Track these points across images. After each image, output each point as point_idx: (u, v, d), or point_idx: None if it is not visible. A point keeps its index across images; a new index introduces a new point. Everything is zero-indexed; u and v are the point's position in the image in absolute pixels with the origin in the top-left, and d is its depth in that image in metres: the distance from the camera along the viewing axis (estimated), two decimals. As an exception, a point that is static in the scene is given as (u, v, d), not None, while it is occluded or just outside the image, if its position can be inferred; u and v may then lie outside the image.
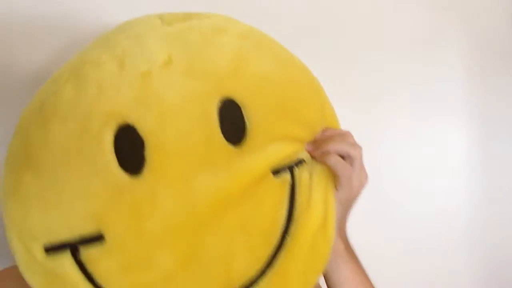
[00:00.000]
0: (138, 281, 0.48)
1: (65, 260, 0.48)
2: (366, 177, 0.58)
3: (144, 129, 0.48)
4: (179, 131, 0.48)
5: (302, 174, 0.54)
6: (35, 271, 0.50)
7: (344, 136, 0.56)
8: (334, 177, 0.56)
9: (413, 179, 1.13)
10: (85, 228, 0.47)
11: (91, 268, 0.48)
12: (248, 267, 0.51)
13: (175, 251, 0.48)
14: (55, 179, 0.47)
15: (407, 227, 1.12)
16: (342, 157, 0.55)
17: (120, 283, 0.48)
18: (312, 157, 0.55)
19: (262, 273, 0.52)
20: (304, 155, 0.55)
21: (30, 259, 0.49)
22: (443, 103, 1.14)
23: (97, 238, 0.47)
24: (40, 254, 0.48)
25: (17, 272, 0.52)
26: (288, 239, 0.52)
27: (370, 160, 0.99)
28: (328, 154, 0.54)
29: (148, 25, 0.55)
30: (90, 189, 0.47)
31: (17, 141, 0.52)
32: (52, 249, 0.48)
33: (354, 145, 0.56)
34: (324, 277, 0.61)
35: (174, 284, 0.49)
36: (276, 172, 0.52)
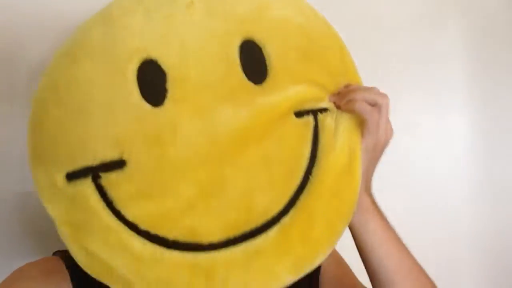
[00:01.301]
0: (157, 207, 0.47)
1: (86, 186, 0.48)
2: (391, 130, 0.57)
3: (167, 63, 0.49)
4: (201, 66, 0.50)
5: (326, 119, 0.54)
6: (57, 200, 0.50)
7: (370, 88, 0.56)
8: (361, 123, 0.55)
9: (414, 168, 1.10)
10: (107, 154, 0.47)
11: (111, 193, 0.47)
12: (270, 204, 0.50)
13: (195, 181, 0.48)
14: (80, 109, 0.49)
15: (408, 216, 1.05)
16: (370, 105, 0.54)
17: (139, 208, 0.47)
18: (337, 106, 0.55)
19: (285, 211, 0.50)
20: (328, 105, 0.55)
21: (53, 188, 0.49)
22: (444, 90, 1.13)
23: (118, 164, 0.47)
24: (62, 180, 0.49)
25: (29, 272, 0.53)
26: (311, 179, 0.51)
27: None
28: (355, 101, 0.54)
29: None
30: (113, 116, 0.48)
31: (45, 80, 0.54)
32: (74, 176, 0.48)
33: (381, 93, 0.55)
34: (352, 233, 0.58)
35: (193, 214, 0.48)
36: (298, 113, 0.52)
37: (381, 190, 0.96)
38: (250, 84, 0.51)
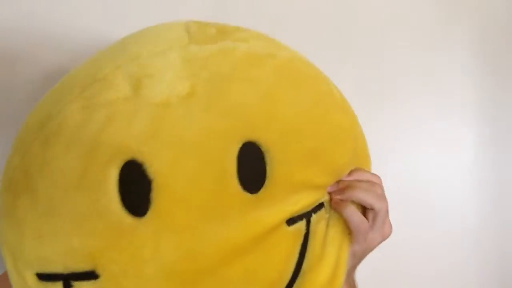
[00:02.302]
0: None
1: None
2: (389, 229, 0.53)
3: (153, 168, 0.43)
4: (192, 174, 0.44)
5: (319, 223, 0.50)
6: None
7: (371, 184, 0.52)
8: (349, 229, 0.52)
9: (422, 177, 1.11)
10: (79, 265, 0.44)
11: None
12: None
13: None
14: (53, 209, 0.44)
15: (414, 226, 1.09)
16: (364, 207, 0.51)
17: None
18: (331, 202, 0.51)
19: None
20: (325, 198, 0.51)
21: (22, 282, 0.48)
22: (451, 98, 1.12)
23: (91, 276, 0.45)
24: (31, 279, 0.47)
25: None
26: None
27: (376, 158, 0.98)
28: (345, 204, 0.50)
29: (173, 42, 0.49)
30: (89, 226, 0.44)
31: (16, 158, 0.48)
32: (44, 278, 0.46)
33: (380, 196, 0.51)
34: None
35: None
36: (291, 221, 0.48)
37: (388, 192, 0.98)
38: (244, 195, 0.46)
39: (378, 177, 0.54)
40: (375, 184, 0.52)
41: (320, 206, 0.51)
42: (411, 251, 1.10)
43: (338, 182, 0.52)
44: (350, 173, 0.52)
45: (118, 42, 0.52)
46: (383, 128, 1.05)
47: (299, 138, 0.48)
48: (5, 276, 0.55)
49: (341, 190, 0.51)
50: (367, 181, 0.52)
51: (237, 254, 0.46)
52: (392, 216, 0.99)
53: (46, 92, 0.53)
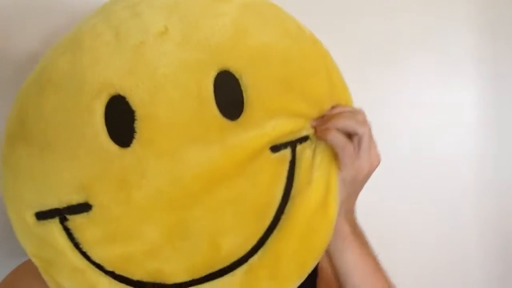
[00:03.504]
0: (122, 251, 0.48)
1: (54, 226, 0.48)
2: (376, 158, 0.54)
3: (135, 100, 0.46)
4: (171, 103, 0.47)
5: (304, 151, 0.51)
6: (27, 236, 0.51)
7: (354, 113, 0.53)
8: (336, 155, 0.53)
9: (425, 142, 1.11)
10: (72, 198, 0.47)
11: (77, 236, 0.48)
12: (238, 245, 0.49)
13: (161, 224, 0.47)
14: (45, 148, 0.48)
15: (415, 190, 1.10)
16: (350, 135, 0.52)
17: (104, 252, 0.48)
18: (315, 133, 0.52)
19: (253, 252, 0.50)
20: (309, 131, 0.52)
21: (23, 225, 0.50)
22: (449, 59, 1.11)
23: (84, 207, 0.47)
24: (31, 220, 0.49)
25: (34, 268, 0.53)
26: (283, 219, 0.50)
27: (379, 124, 0.95)
28: (329, 130, 0.51)
29: None
30: (79, 159, 0.47)
31: (15, 111, 0.53)
32: (42, 216, 0.49)
33: (363, 122, 0.52)
34: (331, 260, 0.58)
35: (159, 258, 0.48)
36: (275, 148, 0.50)
37: (390, 166, 0.94)
38: (223, 121, 0.48)
39: (360, 109, 0.55)
40: (357, 113, 0.54)
41: (305, 138, 0.52)
42: (412, 216, 1.10)
43: (321, 116, 0.53)
44: (332, 108, 0.54)
45: (99, 8, 0.57)
46: (380, 93, 1.04)
47: (269, 65, 0.50)
48: (21, 270, 0.58)
49: (324, 121, 0.52)
50: (349, 111, 0.54)
51: (223, 179, 0.48)
52: (393, 181, 1.00)
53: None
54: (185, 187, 0.47)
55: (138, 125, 0.46)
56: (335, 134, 0.51)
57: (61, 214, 0.48)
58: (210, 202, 0.48)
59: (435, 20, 1.09)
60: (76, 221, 0.47)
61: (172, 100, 0.47)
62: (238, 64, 0.49)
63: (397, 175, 1.05)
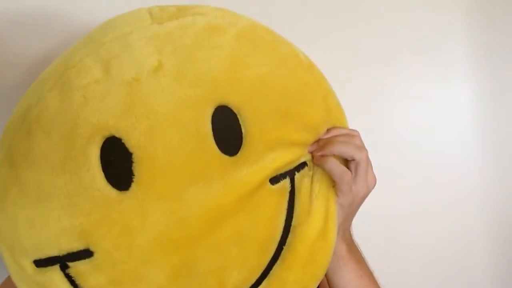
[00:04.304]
0: None
1: (55, 274, 0.47)
2: (373, 180, 0.55)
3: (132, 142, 0.45)
4: (169, 143, 0.46)
5: (303, 180, 0.52)
6: (26, 284, 0.50)
7: (349, 136, 0.53)
8: (334, 182, 0.53)
9: (422, 136, 1.10)
10: (73, 245, 0.46)
11: (80, 282, 0.47)
12: (242, 279, 0.49)
13: (167, 267, 0.47)
14: (41, 195, 0.46)
15: (416, 184, 1.10)
16: (346, 160, 0.53)
17: None
18: (313, 159, 0.52)
19: (258, 283, 0.50)
20: (307, 157, 0.52)
21: (21, 272, 0.49)
22: (446, 57, 1.11)
23: (85, 254, 0.46)
24: (30, 267, 0.48)
25: None
26: (285, 249, 0.51)
27: (377, 120, 0.95)
28: (326, 157, 0.51)
29: (136, 24, 0.51)
30: (77, 206, 0.45)
31: (2, 153, 0.50)
32: (41, 264, 0.47)
33: (359, 147, 0.53)
34: (327, 279, 0.59)
35: None
36: (274, 180, 0.50)
37: (386, 159, 0.97)
38: (223, 157, 0.47)
39: (356, 131, 0.55)
40: (353, 137, 0.54)
41: (303, 165, 0.52)
42: (411, 216, 1.10)
43: (317, 141, 0.53)
44: (328, 131, 0.54)
45: (87, 34, 0.55)
46: (376, 90, 1.04)
47: (267, 97, 0.50)
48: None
49: (321, 147, 0.52)
50: (346, 135, 0.54)
51: (225, 216, 0.47)
52: (391, 181, 0.97)
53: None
54: (188, 228, 0.46)
55: (136, 167, 0.45)
56: (332, 161, 0.52)
57: (62, 261, 0.47)
58: (213, 241, 0.47)
59: (429, 15, 1.08)
60: (78, 268, 0.46)
61: (170, 140, 0.46)
62: (236, 99, 0.48)
63: (394, 171, 1.05)
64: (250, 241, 0.49)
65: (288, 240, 0.50)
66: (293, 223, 0.51)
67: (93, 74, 0.47)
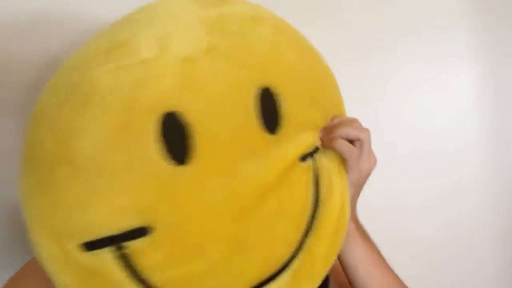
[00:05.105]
0: (184, 272, 0.47)
1: (107, 255, 0.45)
2: (375, 160, 0.60)
3: (191, 117, 0.46)
4: (224, 119, 0.48)
5: (321, 159, 0.56)
6: (69, 269, 0.46)
7: (352, 121, 0.59)
8: (343, 160, 0.59)
9: (422, 123, 1.09)
10: (131, 222, 0.44)
11: (136, 262, 0.45)
12: (284, 252, 0.52)
13: (221, 242, 0.48)
14: (96, 172, 0.44)
15: (417, 171, 1.09)
16: (352, 141, 0.58)
17: (166, 275, 0.46)
18: (323, 143, 0.57)
19: (295, 255, 0.53)
20: (319, 142, 0.57)
21: (62, 256, 0.46)
22: (444, 41, 1.09)
23: (144, 231, 0.45)
24: (76, 250, 0.45)
25: (37, 268, 0.49)
26: (315, 223, 0.54)
27: (377, 108, 0.96)
28: (335, 139, 0.56)
29: (182, 7, 0.52)
30: (136, 182, 0.44)
31: (43, 131, 0.47)
32: (92, 246, 0.45)
33: (362, 128, 0.58)
34: (338, 256, 0.63)
35: (218, 274, 0.48)
36: (303, 158, 0.54)
37: (389, 148, 0.95)
38: (265, 135, 0.50)
39: (355, 118, 0.61)
40: (355, 120, 0.60)
41: (318, 148, 0.57)
42: (410, 205, 1.10)
43: (324, 128, 0.58)
44: (332, 119, 0.60)
45: (124, 17, 0.54)
46: (375, 80, 1.04)
47: (301, 83, 0.55)
48: (26, 270, 0.52)
49: (330, 131, 0.58)
50: (348, 120, 0.60)
51: (270, 191, 0.50)
52: (392, 170, 1.01)
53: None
54: (241, 202, 0.48)
55: (195, 142, 0.46)
56: (341, 141, 0.57)
57: (118, 240, 0.45)
58: (261, 215, 0.49)
59: (428, 2, 1.07)
60: (134, 247, 0.45)
61: (224, 116, 0.48)
62: (278, 81, 0.52)
63: (395, 162, 1.06)
64: (290, 215, 0.52)
65: (316, 215, 0.54)
66: (320, 198, 0.55)
67: (147, 52, 0.47)
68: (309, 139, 0.55)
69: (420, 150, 1.10)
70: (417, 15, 1.06)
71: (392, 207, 1.08)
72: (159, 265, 0.46)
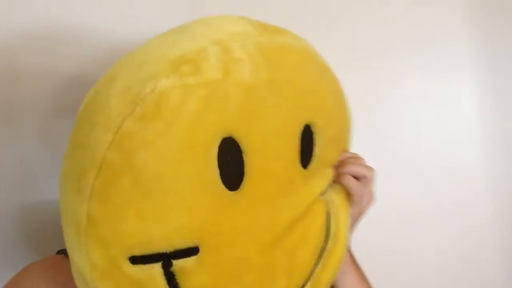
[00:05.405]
0: None
1: (154, 271, 0.46)
2: (373, 198, 0.65)
3: (248, 145, 0.48)
4: (275, 151, 0.50)
5: (331, 194, 0.60)
6: (112, 279, 0.46)
7: (358, 158, 0.63)
8: (348, 196, 0.62)
9: (425, 135, 1.10)
10: (185, 242, 0.46)
11: (181, 280, 0.47)
12: (301, 279, 0.56)
13: (255, 267, 0.50)
14: (159, 187, 0.44)
15: (422, 183, 1.09)
16: (357, 178, 0.62)
17: None
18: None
19: (306, 281, 0.57)
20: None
21: (109, 266, 0.45)
22: (448, 52, 1.11)
23: (193, 251, 0.46)
24: (125, 262, 0.45)
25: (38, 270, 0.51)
26: (326, 254, 0.59)
27: (381, 119, 0.97)
28: (344, 175, 0.61)
29: (243, 29, 0.53)
30: (196, 203, 0.45)
31: (104, 136, 0.45)
32: (142, 260, 0.45)
33: (368, 167, 0.63)
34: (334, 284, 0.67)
35: None
36: (322, 193, 0.58)
37: (392, 159, 1.01)
38: (301, 170, 0.54)
39: (357, 154, 0.66)
40: (360, 159, 0.65)
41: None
42: (416, 217, 1.10)
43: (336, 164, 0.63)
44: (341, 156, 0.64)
45: (183, 27, 0.53)
46: (377, 88, 1.04)
47: (335, 123, 0.59)
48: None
49: (339, 167, 0.62)
50: (354, 157, 0.64)
51: (298, 222, 0.54)
52: (396, 182, 1.02)
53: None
54: (277, 232, 0.51)
55: (248, 170, 0.48)
56: (349, 177, 0.61)
57: (167, 258, 0.46)
58: (288, 244, 0.53)
59: (430, 11, 1.08)
60: (182, 266, 0.46)
61: (275, 149, 0.51)
62: (318, 120, 0.55)
63: (397, 171, 1.06)
64: (310, 245, 0.56)
65: (328, 247, 0.59)
66: (332, 231, 0.59)
67: (213, 73, 0.48)
68: (330, 176, 0.59)
69: (423, 162, 1.10)
70: (420, 26, 1.07)
71: (396, 220, 1.08)
72: (201, 285, 0.47)
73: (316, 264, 0.58)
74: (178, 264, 0.46)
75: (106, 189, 0.44)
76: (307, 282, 0.57)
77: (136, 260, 0.45)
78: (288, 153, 0.52)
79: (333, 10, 1.00)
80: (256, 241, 0.50)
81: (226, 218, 0.47)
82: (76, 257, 0.47)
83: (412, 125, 1.09)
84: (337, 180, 0.62)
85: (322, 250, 0.59)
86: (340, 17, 1.01)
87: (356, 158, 0.64)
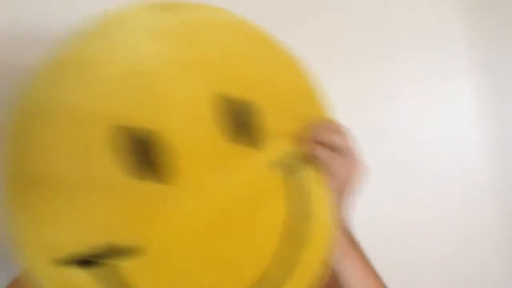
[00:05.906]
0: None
1: (79, 272, 0.47)
2: (359, 166, 0.58)
3: (156, 132, 0.46)
4: (190, 132, 0.48)
5: (302, 169, 0.56)
6: (47, 281, 0.48)
7: (328, 125, 0.57)
8: (322, 167, 0.57)
9: (425, 135, 1.11)
10: (95, 242, 0.46)
11: (124, 281, 0.47)
12: (262, 263, 0.52)
13: (207, 263, 0.49)
14: (69, 193, 0.45)
15: (422, 183, 1.10)
16: (332, 148, 0.56)
17: None
18: (299, 151, 0.56)
19: (287, 272, 0.54)
20: (294, 151, 0.56)
21: (45, 271, 0.48)
22: (445, 51, 1.12)
23: (133, 251, 0.46)
24: (51, 266, 0.47)
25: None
26: (301, 234, 0.55)
27: (381, 119, 0.96)
28: (311, 145, 0.55)
29: (139, 15, 0.53)
30: (108, 202, 0.45)
31: (14, 148, 0.48)
32: (65, 262, 0.46)
33: (338, 132, 0.57)
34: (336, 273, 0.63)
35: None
36: (280, 168, 0.54)
37: (391, 160, 1.00)
38: (236, 147, 0.51)
39: (334, 119, 0.61)
40: (332, 123, 0.59)
41: (292, 157, 0.56)
42: (417, 216, 1.11)
43: (300, 135, 0.57)
44: (309, 124, 0.58)
45: (87, 30, 0.54)
46: (374, 88, 1.04)
47: (274, 92, 0.55)
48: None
49: (304, 138, 0.56)
50: (323, 126, 0.58)
51: (245, 202, 0.51)
52: (395, 182, 1.00)
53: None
54: (221, 218, 0.49)
55: (170, 159, 0.47)
56: (317, 148, 0.56)
57: (90, 258, 0.46)
58: (238, 229, 0.51)
59: (431, 12, 1.09)
60: (124, 266, 0.46)
61: (190, 129, 0.48)
62: (246, 92, 0.53)
63: (396, 172, 1.06)
64: (267, 227, 0.52)
65: (302, 226, 0.55)
66: (304, 209, 0.55)
67: (107, 65, 0.48)
68: (284, 148, 0.55)
69: (425, 162, 1.11)
70: (420, 27, 1.08)
71: (402, 221, 1.09)
72: (145, 281, 0.47)
73: (292, 245, 0.55)
74: (113, 264, 0.46)
75: (24, 202, 0.47)
76: (283, 265, 0.54)
77: (60, 262, 0.46)
78: (208, 132, 0.49)
79: (333, 10, 1.01)
80: (202, 232, 0.48)
81: (158, 214, 0.46)
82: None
83: (412, 125, 1.10)
84: (307, 153, 0.56)
85: (295, 230, 0.55)
86: (340, 17, 1.02)
87: (325, 125, 0.58)
